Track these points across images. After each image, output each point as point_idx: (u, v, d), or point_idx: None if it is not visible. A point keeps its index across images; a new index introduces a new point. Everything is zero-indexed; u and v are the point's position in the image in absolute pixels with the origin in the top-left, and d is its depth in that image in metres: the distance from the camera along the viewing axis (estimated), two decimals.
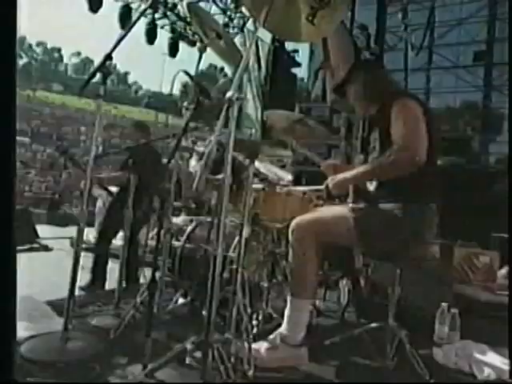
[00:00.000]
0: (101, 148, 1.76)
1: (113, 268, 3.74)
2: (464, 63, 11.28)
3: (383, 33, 9.62)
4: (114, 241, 3.80)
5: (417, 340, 2.15)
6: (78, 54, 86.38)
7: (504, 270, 4.12)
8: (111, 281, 3.55)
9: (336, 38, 6.10)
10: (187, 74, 2.06)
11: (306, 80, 11.13)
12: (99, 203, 6.55)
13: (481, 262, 3.85)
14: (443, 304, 2.48)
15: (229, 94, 1.46)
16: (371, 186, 2.11)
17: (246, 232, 1.97)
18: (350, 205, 2.68)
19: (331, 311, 3.10)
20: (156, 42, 9.24)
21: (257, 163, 2.16)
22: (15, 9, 1.04)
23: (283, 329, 2.04)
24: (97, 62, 1.83)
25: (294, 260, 2.06)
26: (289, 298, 2.06)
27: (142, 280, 2.43)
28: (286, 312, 2.05)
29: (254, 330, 2.21)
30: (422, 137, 1.87)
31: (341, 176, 2.02)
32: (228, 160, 1.45)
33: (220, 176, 1.50)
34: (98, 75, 1.84)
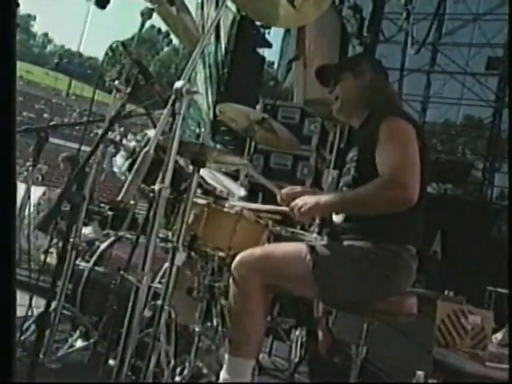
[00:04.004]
0: None
1: None
2: (474, 70, 11.90)
3: (380, 19, 10.02)
4: None
5: None
6: None
7: (500, 335, 4.36)
8: None
9: (318, 18, 6.29)
10: (124, 46, 2.10)
11: (275, 66, 11.33)
12: None
13: (470, 323, 4.02)
14: (419, 372, 2.62)
15: (178, 85, 1.52)
16: (337, 218, 2.23)
17: (178, 258, 2.01)
18: (313, 235, 2.80)
19: (278, 370, 3.18)
20: None
21: (202, 171, 2.22)
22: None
23: None
24: None
25: (235, 306, 2.12)
26: (226, 356, 2.11)
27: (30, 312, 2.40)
28: (222, 374, 2.09)
29: None
30: (416, 170, 1.98)
31: (313, 200, 2.09)
32: (169, 167, 1.50)
33: (156, 186, 1.55)
34: None
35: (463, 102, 12.79)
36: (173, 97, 1.51)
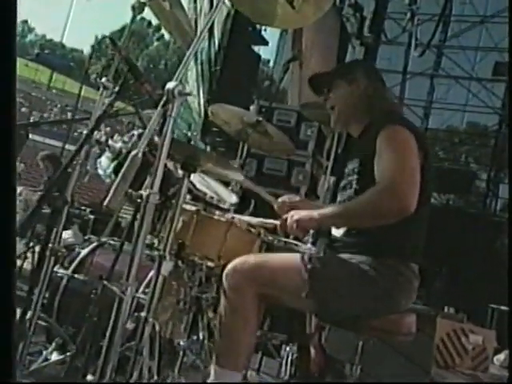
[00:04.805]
0: None
1: None
2: (480, 75, 11.99)
3: (382, 18, 10.07)
4: None
5: None
6: None
7: (502, 356, 4.38)
8: None
9: None
10: (113, 43, 2.10)
11: (271, 64, 11.35)
12: None
13: (470, 343, 4.04)
14: None
15: (170, 86, 1.53)
16: (337, 232, 2.25)
17: (165, 267, 2.01)
18: (308, 245, 2.81)
19: None
20: None
21: (192, 175, 2.22)
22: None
23: None
24: None
25: (225, 315, 2.13)
26: (213, 367, 2.12)
27: None
28: None
29: None
30: (414, 179, 1.99)
31: (306, 213, 2.11)
32: (158, 172, 1.51)
33: (144, 192, 1.55)
34: None
35: (468, 109, 12.88)
36: (164, 98, 1.52)
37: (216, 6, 1.65)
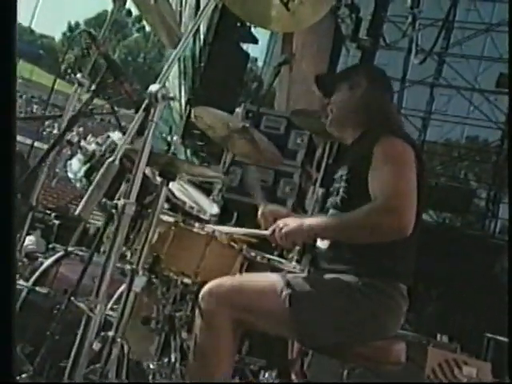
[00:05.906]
0: None
1: None
2: (483, 86, 12.09)
3: (381, 21, 10.12)
4: None
5: None
6: None
7: None
8: None
9: None
10: (92, 38, 2.11)
11: (261, 63, 11.37)
12: None
13: (464, 375, 4.06)
14: None
15: (152, 88, 1.53)
16: (322, 244, 2.27)
17: (137, 283, 2.01)
18: (292, 263, 2.82)
19: None
20: None
21: (171, 184, 2.23)
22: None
23: None
24: None
25: (199, 341, 2.15)
26: None
27: None
28: None
29: None
30: (413, 197, 2.03)
31: (296, 225, 2.13)
32: (136, 180, 1.51)
33: (119, 202, 1.55)
34: None
35: (469, 122, 12.97)
36: (146, 101, 1.52)
37: (203, 9, 1.66)
